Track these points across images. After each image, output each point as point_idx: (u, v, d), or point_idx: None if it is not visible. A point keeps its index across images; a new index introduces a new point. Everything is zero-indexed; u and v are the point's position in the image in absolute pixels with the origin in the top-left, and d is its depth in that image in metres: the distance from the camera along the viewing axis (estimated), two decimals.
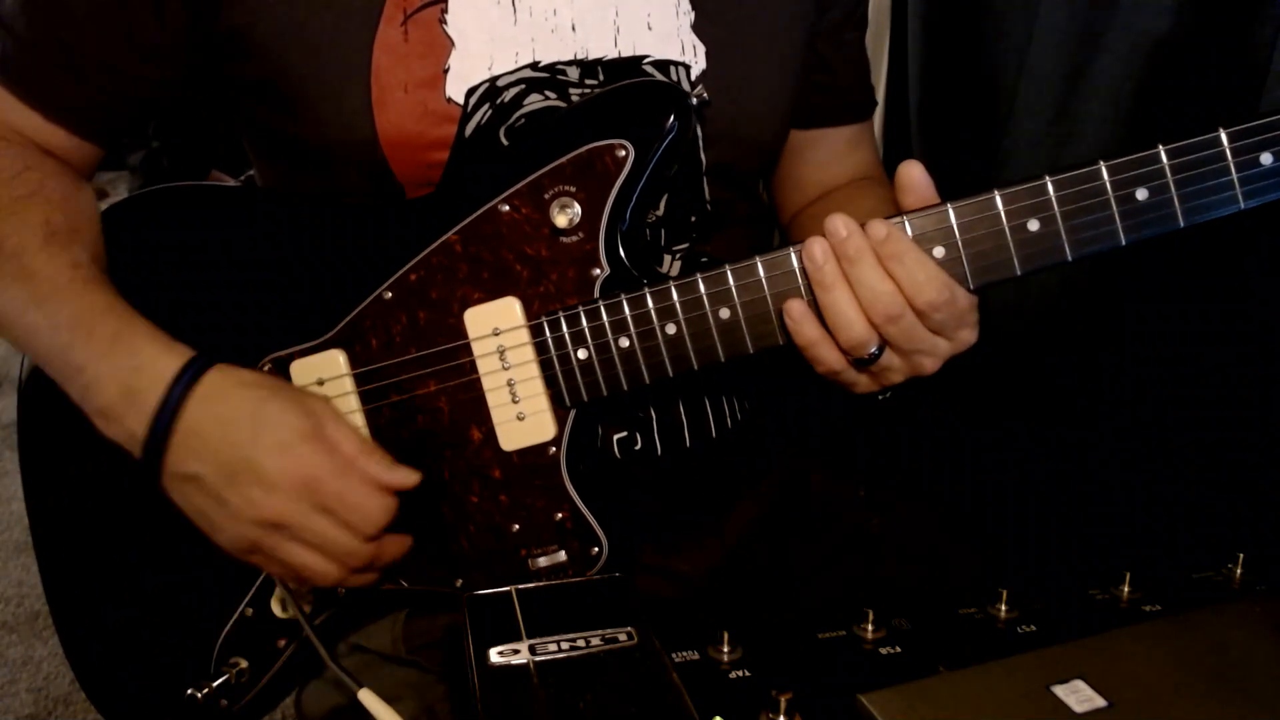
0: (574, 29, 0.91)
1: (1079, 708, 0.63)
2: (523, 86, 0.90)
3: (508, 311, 0.87)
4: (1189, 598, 0.78)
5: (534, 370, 0.87)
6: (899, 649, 0.73)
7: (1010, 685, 0.66)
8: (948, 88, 1.56)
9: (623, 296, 0.84)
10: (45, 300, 0.84)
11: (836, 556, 1.06)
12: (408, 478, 0.83)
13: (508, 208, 0.86)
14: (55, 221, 0.87)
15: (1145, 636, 0.72)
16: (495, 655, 0.68)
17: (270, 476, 0.78)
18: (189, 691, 0.91)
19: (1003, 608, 0.76)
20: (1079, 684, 0.65)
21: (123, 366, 0.81)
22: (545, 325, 0.86)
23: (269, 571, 0.87)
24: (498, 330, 0.87)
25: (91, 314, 0.83)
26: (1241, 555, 0.81)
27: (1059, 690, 0.65)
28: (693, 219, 0.98)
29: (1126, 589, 0.78)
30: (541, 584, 0.84)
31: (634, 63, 0.92)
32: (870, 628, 0.74)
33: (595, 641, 0.70)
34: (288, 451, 0.79)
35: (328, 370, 0.89)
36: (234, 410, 0.80)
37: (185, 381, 0.80)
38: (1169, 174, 0.77)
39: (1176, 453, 1.29)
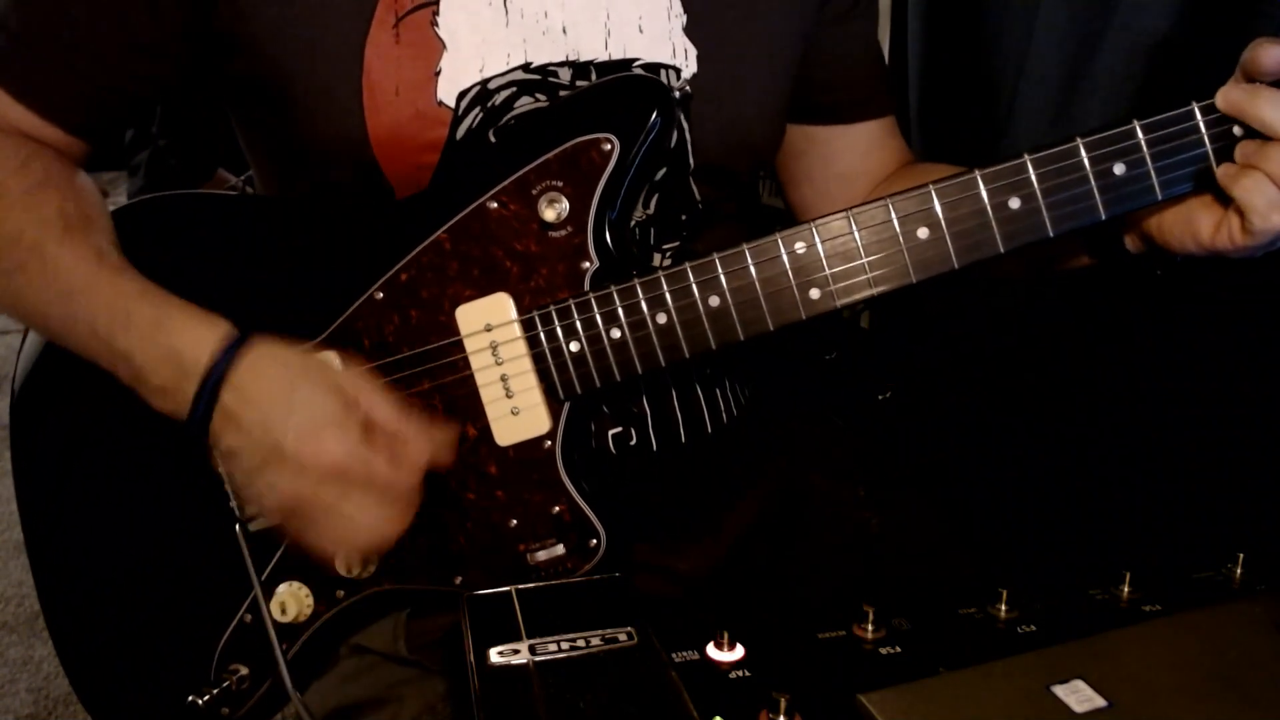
0: (565, 31, 0.91)
1: (1079, 708, 0.63)
2: (514, 89, 0.90)
3: (499, 307, 0.87)
4: (1189, 598, 0.78)
5: (527, 364, 0.87)
6: (899, 649, 0.72)
7: (1010, 685, 0.66)
8: (948, 88, 1.56)
9: (613, 288, 0.85)
10: (77, 293, 0.84)
11: (836, 556, 1.06)
12: (443, 449, 0.82)
13: (496, 205, 0.87)
14: (69, 211, 0.87)
15: (1145, 636, 0.72)
16: (495, 655, 0.68)
17: (299, 461, 0.78)
18: (189, 699, 0.91)
19: (1003, 608, 0.76)
20: (1079, 684, 0.65)
21: (169, 348, 0.82)
22: (537, 319, 0.86)
23: (307, 541, 0.83)
24: (490, 326, 0.87)
25: (127, 300, 0.84)
26: (1241, 555, 0.81)
27: (1059, 690, 0.65)
28: (683, 218, 0.98)
29: (1126, 589, 0.78)
30: (541, 584, 0.84)
31: (624, 66, 0.92)
32: (870, 628, 0.74)
33: (595, 641, 0.70)
34: (314, 437, 0.78)
35: None
36: (267, 393, 0.80)
37: (221, 368, 0.80)
38: (1145, 149, 0.79)
39: (1176, 452, 1.29)
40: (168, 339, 0.82)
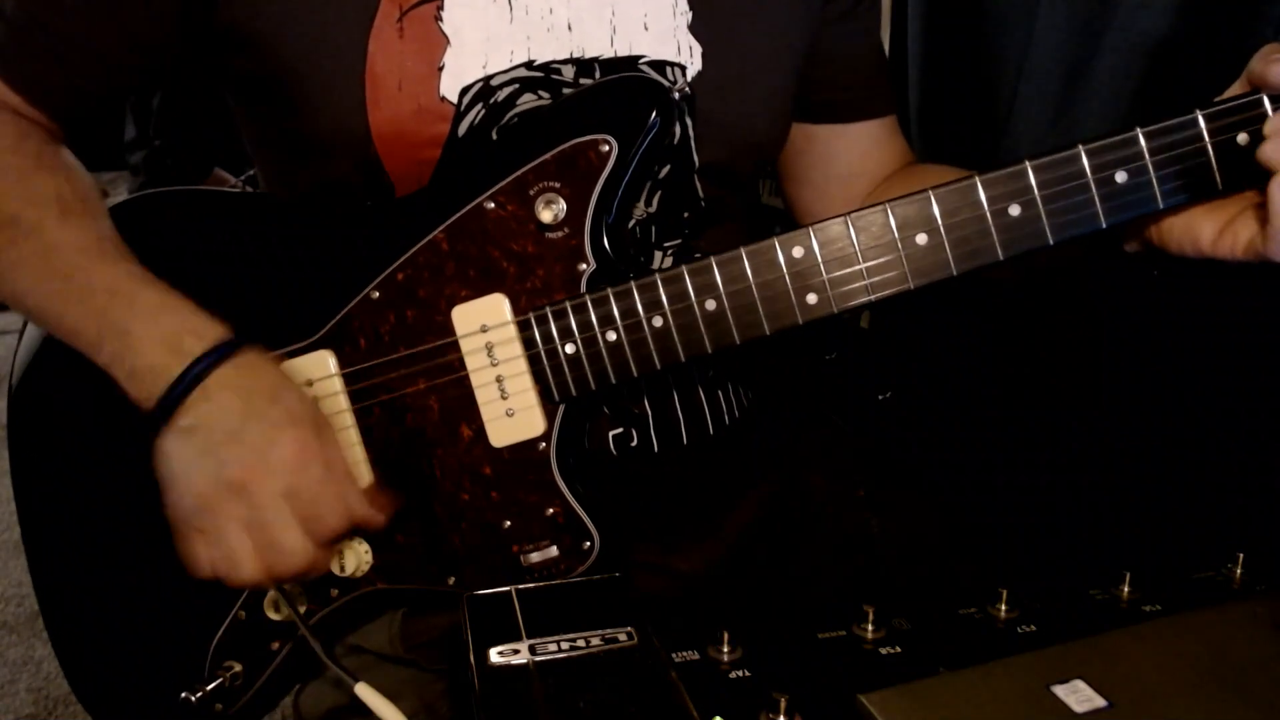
0: (570, 28, 0.91)
1: (1079, 708, 0.63)
2: (516, 86, 0.90)
3: (495, 308, 0.87)
4: (1189, 598, 0.78)
5: (522, 366, 0.87)
6: (899, 649, 0.73)
7: (1010, 685, 0.66)
8: (948, 88, 1.56)
9: (609, 291, 0.85)
10: (77, 269, 0.83)
11: (836, 556, 1.06)
12: (375, 517, 0.82)
13: (493, 205, 0.87)
14: (66, 193, 0.87)
15: (1145, 636, 0.72)
16: (495, 655, 0.68)
17: (267, 443, 0.77)
18: (183, 695, 0.91)
19: (1003, 608, 0.76)
20: (1079, 684, 0.65)
21: (170, 329, 0.81)
22: (533, 321, 0.86)
23: (192, 549, 0.80)
24: (485, 327, 0.87)
25: (131, 281, 0.83)
26: (1241, 555, 0.81)
27: (1059, 690, 0.65)
28: (686, 216, 0.98)
29: (1126, 589, 0.78)
30: (541, 584, 0.84)
31: (629, 63, 0.92)
32: (870, 628, 0.74)
33: (595, 641, 0.70)
34: (292, 429, 0.78)
35: (317, 371, 0.89)
36: (260, 384, 0.80)
37: (226, 349, 0.80)
38: (1147, 156, 0.78)
39: (1176, 452, 1.29)
40: (172, 320, 0.81)
